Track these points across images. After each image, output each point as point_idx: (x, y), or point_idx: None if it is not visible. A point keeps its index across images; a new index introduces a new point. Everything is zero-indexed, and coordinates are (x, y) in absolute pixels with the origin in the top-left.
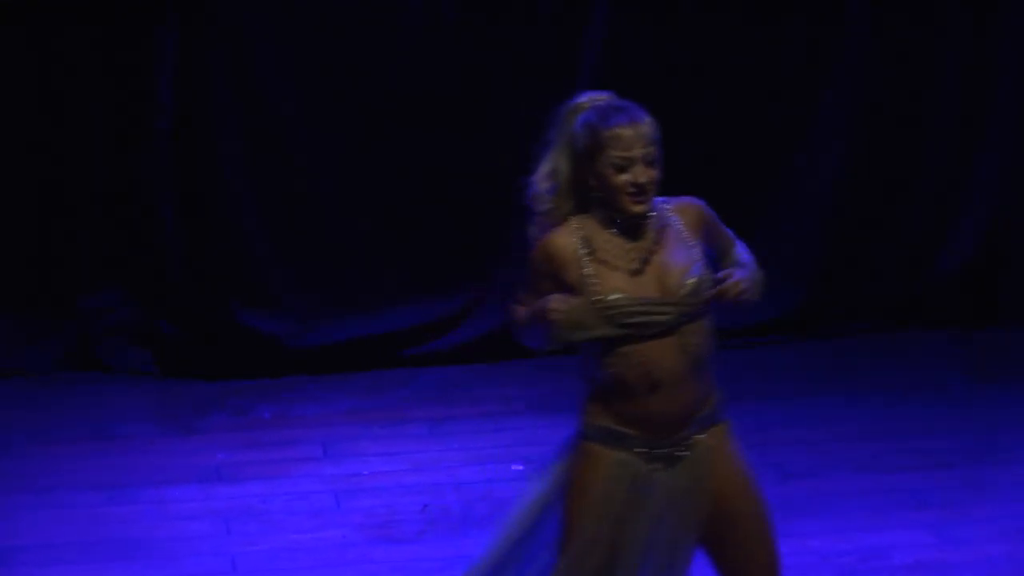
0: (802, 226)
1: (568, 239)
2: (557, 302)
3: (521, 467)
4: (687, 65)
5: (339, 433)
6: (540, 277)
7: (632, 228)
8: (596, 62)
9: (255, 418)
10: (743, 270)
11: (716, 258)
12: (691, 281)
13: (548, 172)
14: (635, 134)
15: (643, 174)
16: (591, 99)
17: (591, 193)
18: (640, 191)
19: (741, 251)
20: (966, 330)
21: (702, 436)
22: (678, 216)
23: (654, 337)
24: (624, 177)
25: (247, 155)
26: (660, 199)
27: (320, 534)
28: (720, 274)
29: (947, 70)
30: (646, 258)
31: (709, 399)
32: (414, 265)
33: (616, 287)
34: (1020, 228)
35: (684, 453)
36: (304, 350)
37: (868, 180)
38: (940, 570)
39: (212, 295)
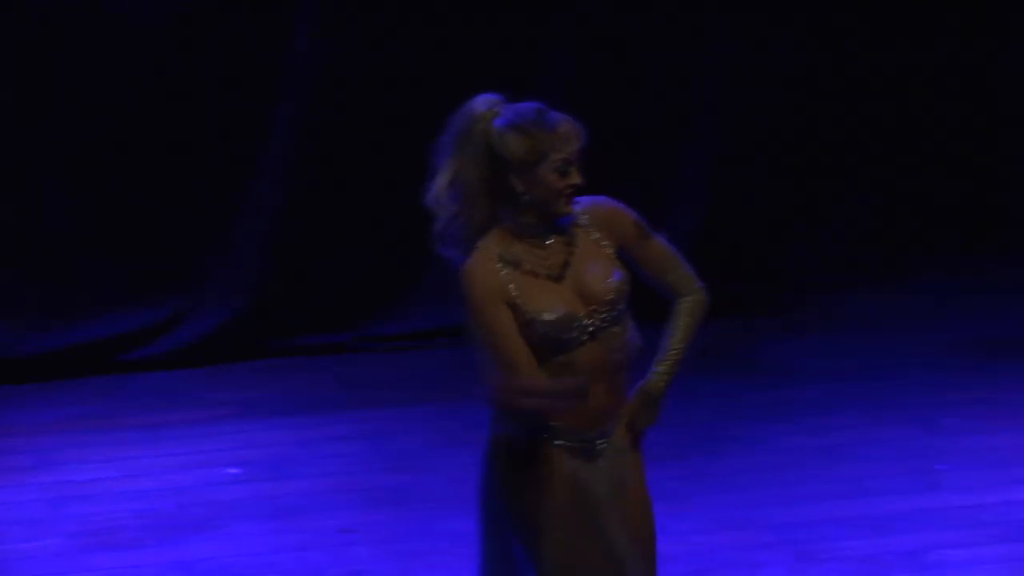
0: None
1: (485, 263)
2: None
3: (237, 471)
4: None
5: (54, 441)
6: (494, 310)
7: (544, 234)
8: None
9: None
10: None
11: (648, 273)
12: (612, 287)
13: (450, 181)
14: (573, 136)
15: (578, 175)
16: (491, 103)
17: (513, 200)
18: (573, 192)
19: (685, 274)
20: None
21: (617, 435)
22: (588, 217)
23: (580, 345)
24: (564, 181)
25: None
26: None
27: (36, 543)
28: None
29: (650, 80)
30: (564, 262)
31: (624, 400)
32: (127, 270)
33: (544, 304)
34: (716, 230)
35: (603, 446)
36: (15, 359)
37: None
38: (660, 562)
39: None
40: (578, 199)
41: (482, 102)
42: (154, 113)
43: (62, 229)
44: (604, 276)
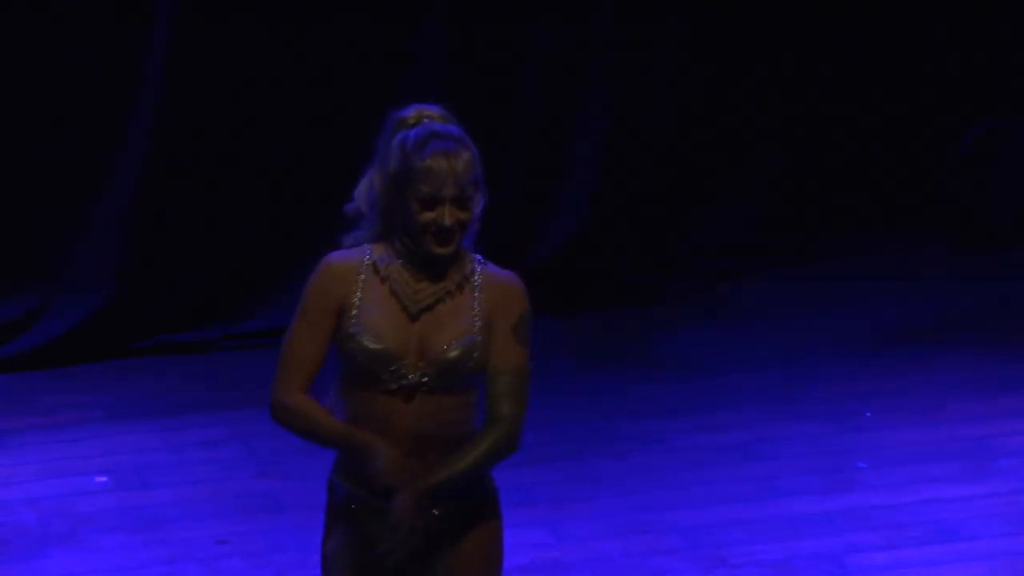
0: None
1: (352, 260)
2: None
3: (105, 479)
4: None
5: None
6: (318, 305)
7: (429, 268)
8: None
9: None
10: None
11: (488, 371)
12: (452, 354)
13: (364, 187)
14: (448, 171)
15: (450, 216)
16: (418, 114)
17: (395, 219)
18: (444, 233)
19: (515, 405)
20: (568, 316)
21: (459, 510)
22: (483, 282)
23: (391, 393)
24: (428, 215)
25: None
26: (480, 257)
27: None
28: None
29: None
30: (428, 305)
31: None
32: None
33: (375, 329)
34: (609, 218)
35: (427, 522)
36: None
37: None
38: (556, 569)
39: None
40: (485, 261)
41: (413, 109)
42: (7, 98)
43: None
44: (452, 339)
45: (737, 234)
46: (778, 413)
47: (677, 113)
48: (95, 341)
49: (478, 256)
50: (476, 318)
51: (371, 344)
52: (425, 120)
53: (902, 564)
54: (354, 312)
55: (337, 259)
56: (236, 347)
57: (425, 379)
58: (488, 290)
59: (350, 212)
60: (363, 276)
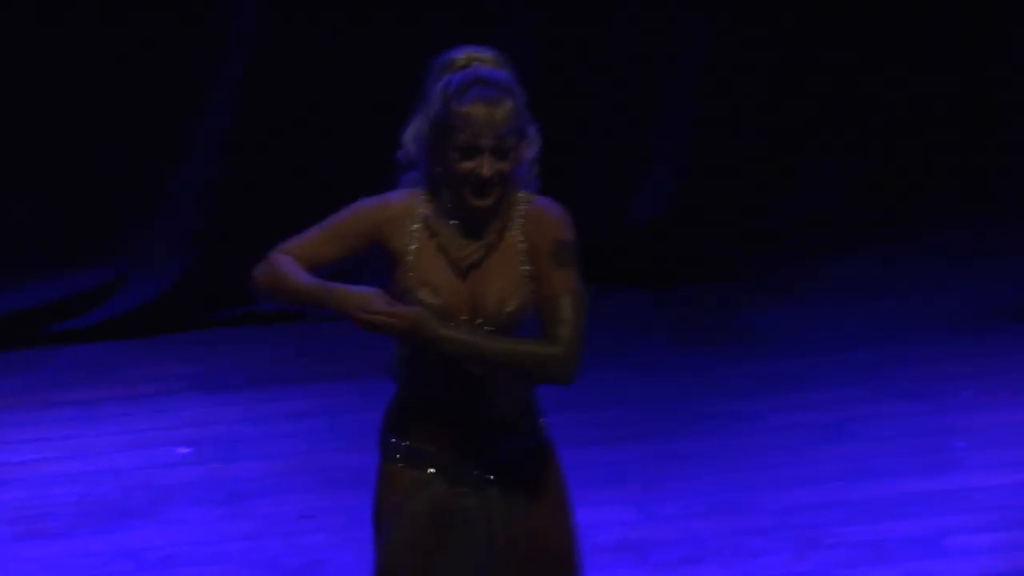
0: None
1: (411, 206)
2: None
3: (188, 451)
4: None
5: None
6: (353, 226)
7: (475, 220)
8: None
9: None
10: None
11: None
12: (507, 310)
13: (412, 135)
14: (486, 119)
15: (488, 167)
16: (468, 56)
17: (439, 168)
18: (482, 184)
19: (563, 326)
20: (658, 292)
21: (514, 461)
22: (528, 221)
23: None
24: (467, 165)
25: None
26: (527, 194)
27: None
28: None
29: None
30: (475, 262)
31: (521, 422)
32: (56, 236)
33: (430, 283)
34: (703, 189)
35: (492, 476)
36: None
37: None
38: (645, 548)
39: None
40: (529, 195)
41: (463, 51)
42: (87, 66)
43: None
44: (505, 295)
45: (829, 209)
46: (873, 391)
47: (766, 88)
48: (179, 311)
49: (524, 194)
50: (523, 265)
51: (429, 299)
52: (474, 63)
53: (1000, 547)
54: (409, 263)
55: (396, 200)
56: (327, 318)
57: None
58: (529, 227)
59: (401, 159)
60: (416, 227)
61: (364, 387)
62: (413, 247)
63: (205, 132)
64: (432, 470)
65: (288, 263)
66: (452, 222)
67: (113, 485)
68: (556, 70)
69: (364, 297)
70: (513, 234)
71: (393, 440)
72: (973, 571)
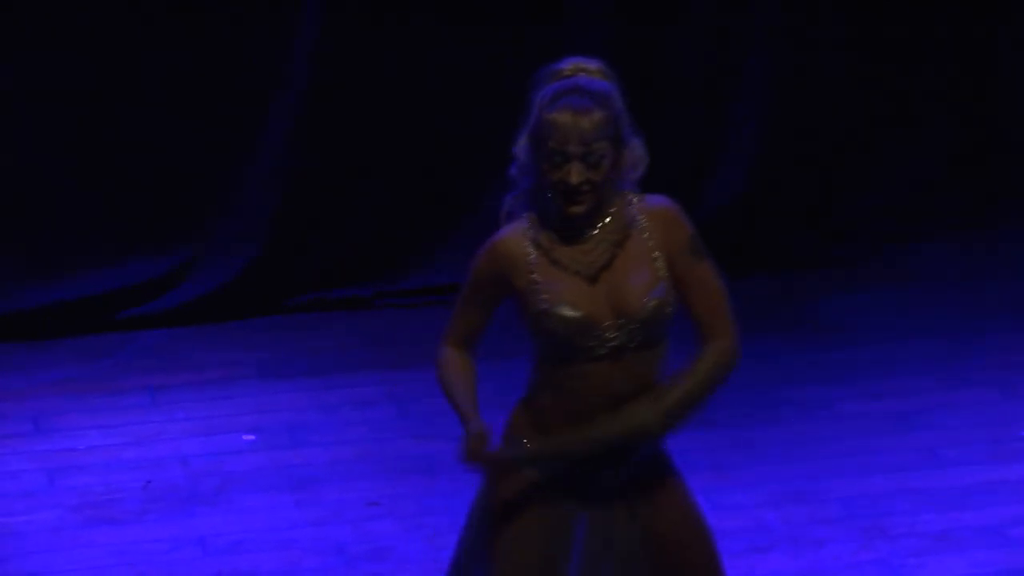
0: None
1: (518, 239)
2: (474, 443)
3: (252, 437)
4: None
5: (50, 405)
6: (482, 282)
7: (586, 227)
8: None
9: None
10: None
11: (683, 299)
12: (651, 304)
13: (519, 147)
14: (573, 127)
15: (576, 174)
16: (574, 67)
17: (536, 179)
18: (572, 192)
19: (723, 317)
20: (732, 279)
21: (640, 469)
22: (647, 220)
23: (596, 360)
24: (557, 173)
25: None
26: (631, 196)
27: (32, 516)
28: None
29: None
30: (604, 264)
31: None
32: (126, 219)
33: (566, 299)
34: (774, 178)
35: (617, 484)
36: (4, 316)
37: None
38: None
39: None
40: (637, 195)
41: (570, 62)
42: (154, 49)
43: (55, 176)
44: (645, 290)
45: (905, 196)
46: (945, 381)
47: (843, 74)
48: (248, 297)
49: (630, 194)
50: (657, 261)
51: (569, 313)
52: (580, 74)
53: None
54: (536, 289)
55: (501, 241)
56: (391, 305)
57: (633, 334)
58: (651, 227)
59: (513, 175)
60: (531, 254)
61: (431, 375)
62: (535, 273)
63: (274, 120)
64: (553, 476)
65: (449, 363)
66: (563, 235)
67: (180, 471)
68: (628, 57)
69: (469, 441)
70: (637, 233)
71: (520, 440)
72: None
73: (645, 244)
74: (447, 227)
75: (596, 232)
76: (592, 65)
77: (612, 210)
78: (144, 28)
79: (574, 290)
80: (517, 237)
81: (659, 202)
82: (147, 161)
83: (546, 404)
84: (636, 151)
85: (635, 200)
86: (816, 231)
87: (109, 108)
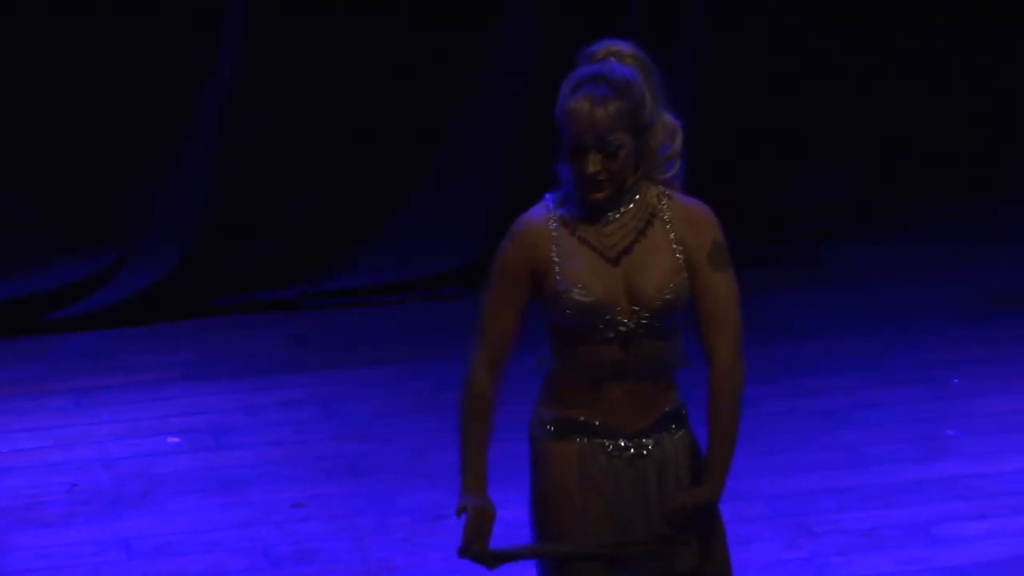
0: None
1: (541, 217)
2: (471, 531)
3: (178, 439)
4: None
5: None
6: (510, 274)
7: (609, 210)
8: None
9: None
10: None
11: (695, 307)
12: (666, 296)
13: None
14: (587, 118)
15: (593, 164)
16: (606, 50)
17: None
18: (591, 181)
19: (731, 339)
20: None
21: (664, 435)
22: (674, 214)
23: (609, 342)
24: (576, 163)
25: None
26: (665, 189)
27: None
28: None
29: None
30: (625, 248)
31: (666, 402)
32: (50, 221)
33: (582, 280)
34: (706, 177)
35: (646, 449)
36: None
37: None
38: None
39: None
40: (670, 191)
41: (602, 45)
42: (78, 51)
43: None
44: (663, 279)
45: (838, 197)
46: (873, 379)
47: (777, 74)
48: (175, 299)
49: (664, 189)
50: (677, 253)
51: (581, 297)
52: (612, 57)
53: (994, 534)
54: (556, 270)
55: (525, 223)
56: (317, 307)
57: (644, 323)
58: (679, 222)
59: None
60: (555, 233)
61: (358, 377)
62: (555, 252)
63: (199, 124)
64: (584, 440)
65: (474, 401)
66: (586, 218)
67: (105, 474)
68: (562, 56)
69: (466, 531)
70: (661, 224)
71: (546, 414)
72: (964, 559)
73: (668, 236)
74: (370, 229)
75: (619, 216)
76: (625, 48)
77: (637, 197)
78: (67, 30)
79: (592, 270)
80: (540, 215)
81: (692, 201)
82: (72, 163)
83: (559, 380)
84: (667, 127)
85: (668, 197)
86: (745, 231)
87: (33, 111)
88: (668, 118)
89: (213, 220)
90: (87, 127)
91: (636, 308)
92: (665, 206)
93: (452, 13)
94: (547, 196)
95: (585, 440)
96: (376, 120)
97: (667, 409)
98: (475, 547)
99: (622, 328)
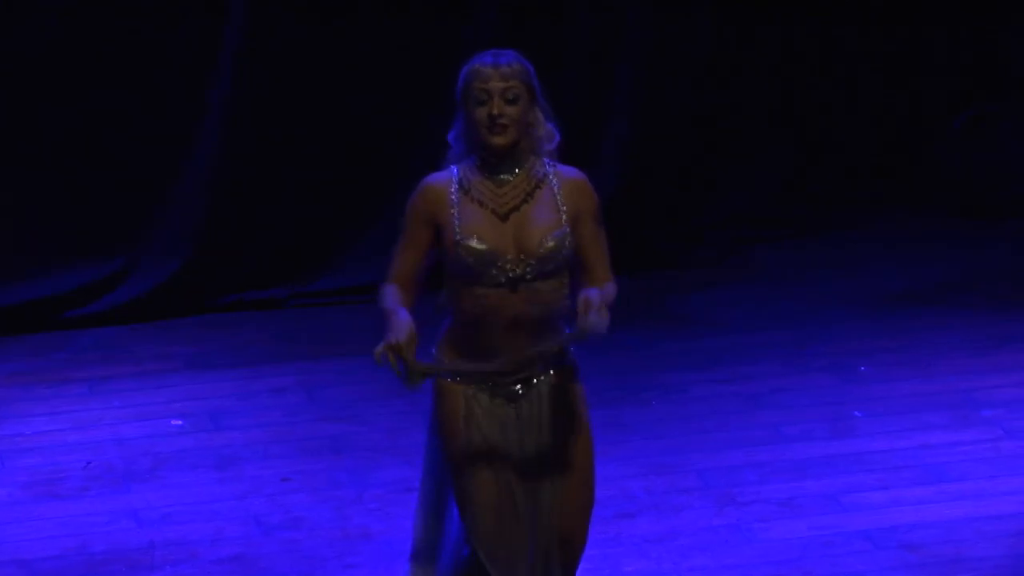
0: None
1: (444, 180)
2: (396, 334)
3: (180, 422)
4: None
5: (1, 396)
6: (416, 221)
7: (504, 172)
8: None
9: None
10: (596, 293)
11: (577, 252)
12: (550, 244)
13: (454, 133)
14: (493, 67)
15: (499, 107)
16: (492, 53)
17: (469, 136)
18: (496, 123)
19: (606, 267)
20: None
21: (544, 377)
22: (559, 181)
23: (500, 286)
24: (482, 110)
25: None
26: (549, 160)
27: None
28: (581, 298)
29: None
30: (515, 206)
31: (548, 338)
32: (68, 227)
33: (476, 232)
34: (643, 188)
35: (524, 389)
36: None
37: None
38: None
39: None
40: (553, 162)
41: (487, 52)
42: (91, 62)
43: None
44: (546, 230)
45: (757, 204)
46: (788, 367)
47: (703, 90)
48: (179, 298)
49: (547, 160)
50: (561, 212)
51: (477, 245)
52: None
53: (895, 503)
54: (455, 224)
55: (431, 181)
56: (304, 305)
57: (528, 270)
58: (564, 187)
59: (450, 138)
60: (454, 194)
61: (338, 366)
62: (455, 210)
63: (199, 142)
64: (474, 383)
65: (387, 294)
66: (485, 177)
67: (116, 452)
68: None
69: (392, 331)
70: (548, 188)
71: (441, 359)
72: (870, 524)
73: (555, 197)
74: (353, 237)
75: (512, 179)
76: (508, 52)
77: (527, 165)
78: (80, 37)
79: (485, 224)
80: (443, 178)
81: (573, 171)
82: (87, 172)
83: (457, 326)
84: (548, 127)
85: (552, 166)
86: (678, 235)
87: (47, 117)
88: (550, 125)
89: (212, 229)
90: (101, 143)
91: (523, 256)
92: (551, 173)
93: (452, 12)
94: (452, 167)
95: (470, 385)
96: (366, 134)
97: (549, 354)
98: (396, 340)
99: (511, 274)
